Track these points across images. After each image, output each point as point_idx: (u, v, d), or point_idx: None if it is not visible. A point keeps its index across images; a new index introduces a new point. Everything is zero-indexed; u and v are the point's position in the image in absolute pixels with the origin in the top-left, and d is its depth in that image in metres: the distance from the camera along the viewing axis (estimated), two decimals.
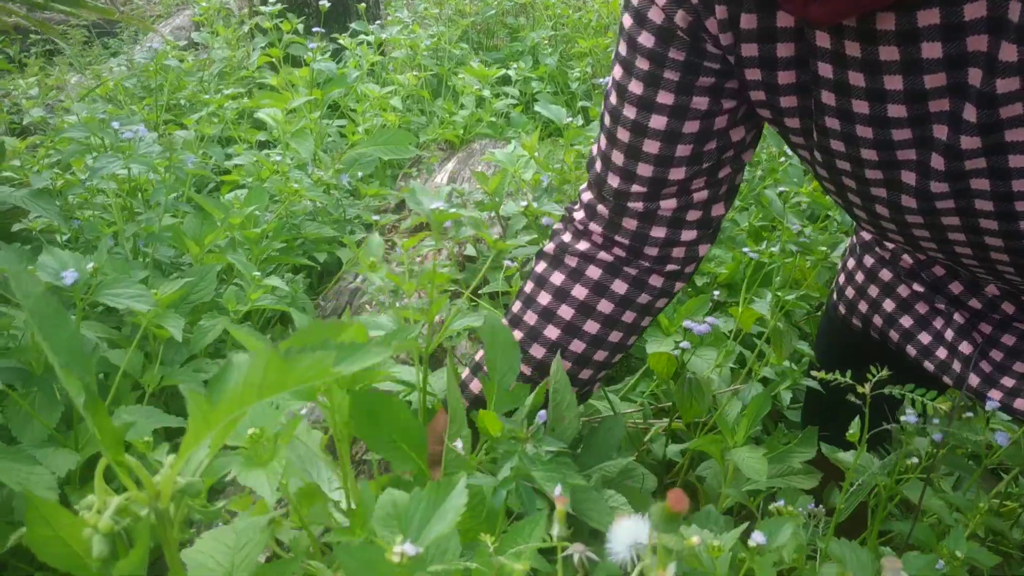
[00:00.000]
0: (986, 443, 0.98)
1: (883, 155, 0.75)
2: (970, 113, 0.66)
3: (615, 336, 0.99)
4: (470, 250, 1.83)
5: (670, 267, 0.96)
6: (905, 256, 1.09)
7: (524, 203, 1.71)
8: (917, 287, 1.08)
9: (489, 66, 3.15)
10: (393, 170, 2.38)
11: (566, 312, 0.97)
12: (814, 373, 1.18)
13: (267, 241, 1.60)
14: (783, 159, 1.76)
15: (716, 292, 1.41)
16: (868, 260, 1.14)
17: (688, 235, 0.94)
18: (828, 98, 0.74)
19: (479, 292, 1.66)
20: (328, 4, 2.71)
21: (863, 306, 1.15)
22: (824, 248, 1.58)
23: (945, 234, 0.80)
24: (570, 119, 1.79)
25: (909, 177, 0.75)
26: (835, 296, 1.22)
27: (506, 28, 3.45)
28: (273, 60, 2.45)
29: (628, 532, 0.53)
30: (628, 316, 0.98)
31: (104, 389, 1.25)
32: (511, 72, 2.86)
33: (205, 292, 1.39)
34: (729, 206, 0.97)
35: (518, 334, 0.99)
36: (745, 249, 1.35)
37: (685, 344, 1.27)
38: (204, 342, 1.28)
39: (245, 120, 2.61)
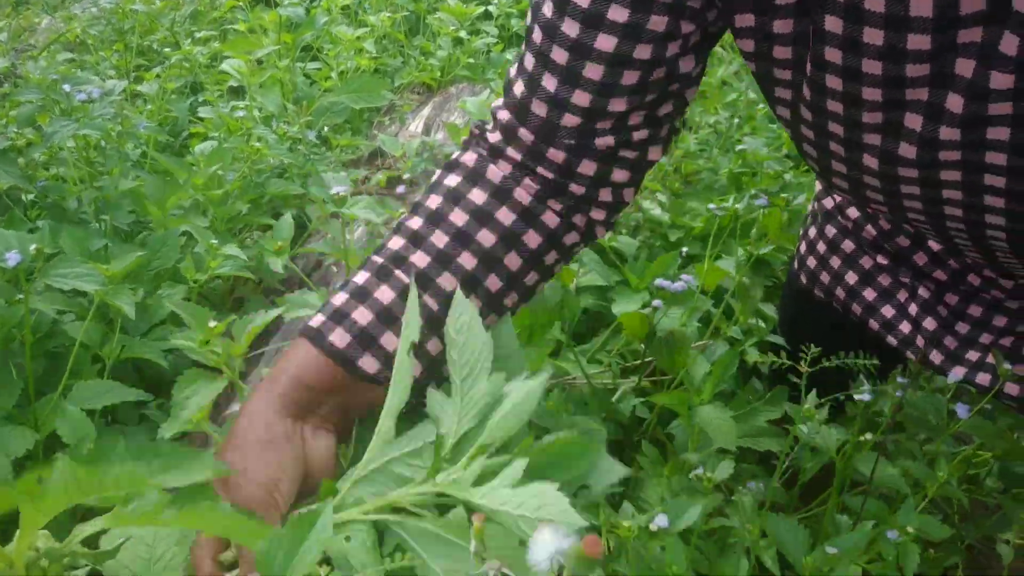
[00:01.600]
0: (945, 413, 0.97)
1: (889, 94, 0.65)
2: (1009, 45, 0.57)
3: (511, 260, 0.80)
4: None
5: (594, 212, 0.83)
6: (868, 227, 1.05)
7: None
8: (881, 259, 1.05)
9: (467, 3, 3.06)
10: (368, 116, 2.33)
11: (486, 239, 0.78)
12: (775, 338, 1.16)
13: (231, 202, 1.57)
14: (760, 105, 1.71)
15: (685, 249, 1.38)
16: (830, 230, 1.11)
17: (619, 175, 0.81)
18: (834, 24, 0.63)
19: None
20: None
21: (825, 277, 1.12)
22: (804, 200, 1.55)
23: (938, 192, 0.72)
24: None
25: (914, 121, 0.66)
26: (796, 265, 1.19)
27: None
28: (242, 3, 2.38)
29: (549, 541, 0.51)
30: (529, 236, 0.80)
31: (63, 360, 1.24)
32: (492, 7, 2.77)
33: (167, 257, 1.37)
34: (665, 151, 0.85)
35: (422, 256, 0.77)
36: (711, 206, 1.32)
37: (657, 303, 1.24)
38: (163, 311, 1.27)
39: (218, 63, 2.54)
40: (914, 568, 0.85)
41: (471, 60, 2.46)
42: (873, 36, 0.60)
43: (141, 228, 1.60)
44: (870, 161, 0.72)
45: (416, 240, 0.77)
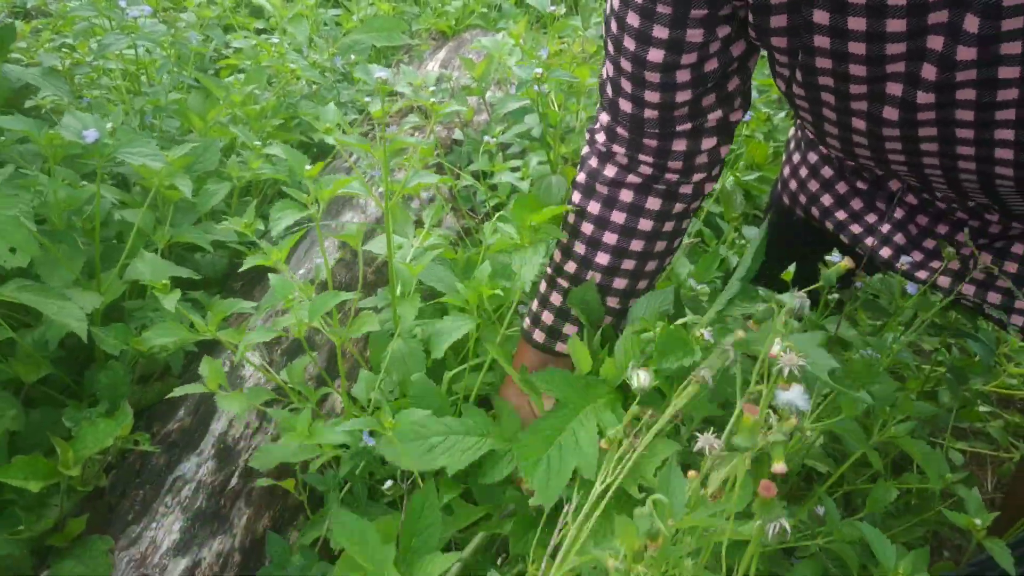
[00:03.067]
0: (898, 294, 1.13)
1: (872, 71, 0.77)
2: (971, 24, 0.69)
3: (659, 246, 1.05)
4: (457, 134, 1.94)
5: (696, 175, 1.00)
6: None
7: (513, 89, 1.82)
8: (860, 184, 1.19)
9: None
10: (387, 59, 2.46)
11: (610, 238, 1.02)
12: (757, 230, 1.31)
13: (266, 119, 1.71)
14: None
15: None
16: (812, 156, 1.25)
17: (708, 143, 0.97)
18: (821, 17, 0.76)
19: (463, 169, 1.78)
20: None
21: (803, 199, 1.26)
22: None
23: (918, 146, 0.85)
24: (553, 8, 1.88)
25: (895, 89, 0.78)
26: (779, 187, 1.34)
27: None
28: None
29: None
30: (667, 226, 1.03)
31: (120, 247, 1.39)
32: None
33: (209, 162, 1.51)
34: (747, 108, 1.00)
35: (572, 265, 1.06)
36: None
37: None
38: (210, 204, 1.41)
39: (243, 7, 2.67)
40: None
41: (484, 10, 2.59)
42: (856, 23, 0.74)
43: (180, 141, 1.75)
44: (858, 124, 0.86)
45: (565, 252, 1.08)
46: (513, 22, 2.58)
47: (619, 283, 1.06)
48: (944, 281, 1.14)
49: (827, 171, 1.24)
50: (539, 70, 1.44)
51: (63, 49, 2.14)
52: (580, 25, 1.97)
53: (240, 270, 1.13)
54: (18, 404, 1.13)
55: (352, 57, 1.91)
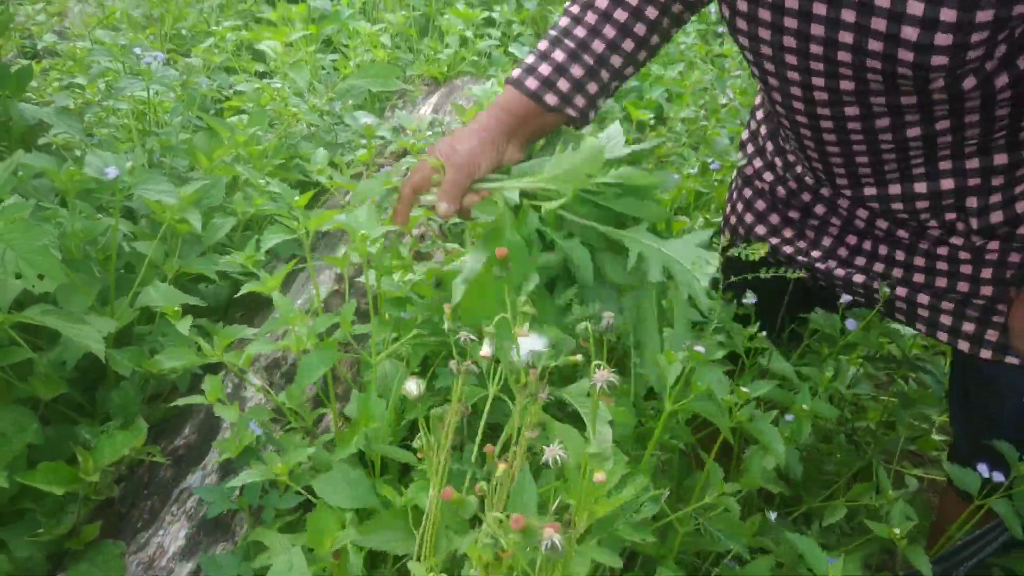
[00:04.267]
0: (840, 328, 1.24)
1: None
2: None
3: (628, 45, 1.13)
4: None
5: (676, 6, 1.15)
6: (779, 188, 1.32)
7: None
8: (791, 214, 1.31)
9: (474, 7, 3.33)
10: (381, 102, 2.59)
11: (620, 15, 1.12)
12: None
13: (267, 159, 1.82)
14: (724, 103, 1.99)
15: None
16: (747, 192, 1.38)
17: None
18: None
19: None
20: None
21: (740, 231, 1.39)
22: None
23: (837, 83, 1.00)
24: None
25: (820, 9, 0.94)
26: (723, 224, 1.47)
27: None
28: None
29: (529, 343, 0.77)
30: (653, 40, 1.15)
31: (130, 276, 1.49)
32: (495, 14, 3.05)
33: (215, 197, 1.62)
34: None
35: (581, 31, 1.12)
36: (674, 176, 1.58)
37: None
38: (216, 237, 1.52)
39: (244, 51, 2.80)
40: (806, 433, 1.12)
41: (475, 58, 2.73)
42: None
43: (186, 179, 1.85)
44: (789, 43, 1.00)
45: (573, 23, 1.14)
46: (502, 70, 2.72)
47: (615, 61, 1.14)
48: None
49: (760, 204, 1.37)
50: None
51: (74, 89, 2.26)
52: None
53: (238, 295, 1.23)
54: (37, 420, 1.22)
55: (350, 101, 2.03)
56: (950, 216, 1.13)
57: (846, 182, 1.17)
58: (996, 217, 1.10)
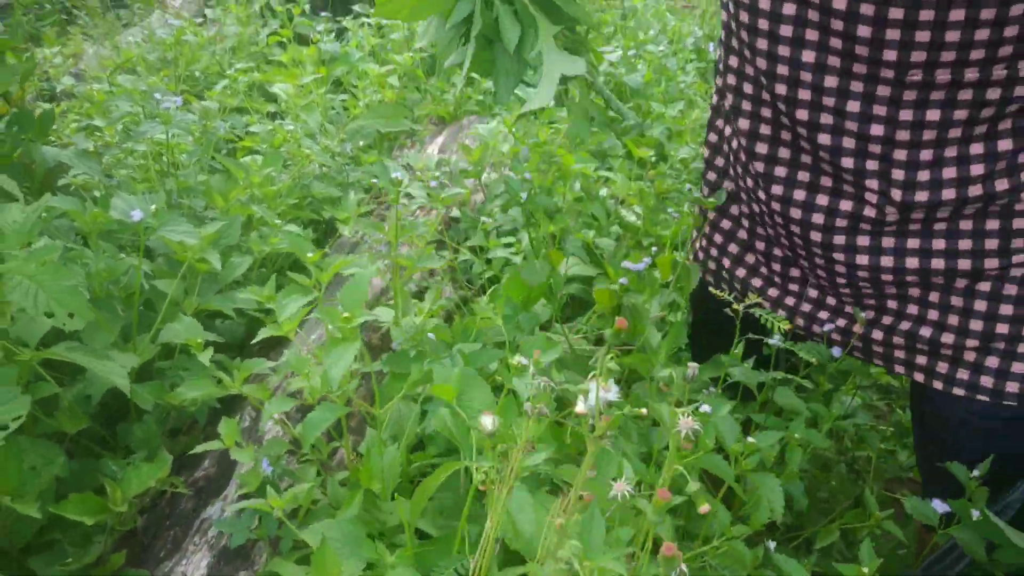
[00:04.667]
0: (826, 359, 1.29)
1: None
2: None
3: None
4: (455, 212, 2.12)
5: None
6: (739, 232, 1.36)
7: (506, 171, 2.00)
8: (759, 258, 1.35)
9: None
10: (390, 142, 2.66)
11: None
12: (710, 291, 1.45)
13: (281, 198, 1.89)
14: None
15: (655, 249, 1.70)
16: (718, 238, 1.40)
17: None
18: None
19: (461, 244, 1.95)
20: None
21: (720, 271, 1.41)
22: None
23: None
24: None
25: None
26: (695, 253, 1.47)
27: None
28: (283, 40, 2.72)
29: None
30: None
31: (150, 313, 1.54)
32: None
33: (232, 237, 1.68)
34: None
35: None
36: (673, 212, 1.64)
37: (623, 280, 1.56)
38: (233, 275, 1.57)
39: (255, 92, 2.88)
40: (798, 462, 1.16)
41: (480, 97, 2.80)
42: None
43: (203, 219, 1.92)
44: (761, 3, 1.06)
45: None
46: (506, 109, 2.79)
47: None
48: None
49: (733, 247, 1.39)
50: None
51: (92, 131, 2.33)
52: (566, 116, 2.17)
53: (256, 340, 1.28)
54: (63, 453, 1.27)
55: (360, 143, 2.10)
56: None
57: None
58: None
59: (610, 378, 0.83)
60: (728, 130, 1.31)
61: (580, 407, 0.84)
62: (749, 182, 1.26)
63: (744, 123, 1.21)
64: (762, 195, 1.23)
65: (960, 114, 1.02)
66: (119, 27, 4.47)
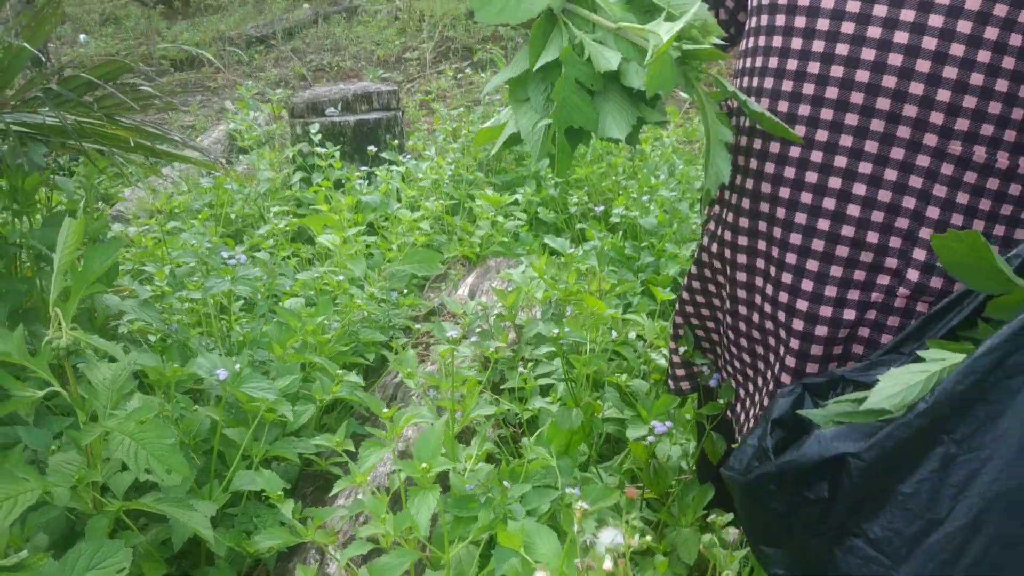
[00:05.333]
0: None
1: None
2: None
3: None
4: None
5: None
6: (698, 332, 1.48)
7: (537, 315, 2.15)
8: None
9: (499, 190, 3.64)
10: (419, 280, 2.82)
11: None
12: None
13: (333, 344, 2.02)
14: None
15: None
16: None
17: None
18: None
19: (500, 388, 2.08)
20: (374, 149, 3.24)
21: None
22: None
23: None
24: (572, 249, 2.25)
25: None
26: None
27: (512, 153, 3.96)
28: (323, 189, 2.93)
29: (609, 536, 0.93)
30: None
31: (220, 458, 1.65)
32: (518, 196, 3.34)
33: (292, 384, 1.80)
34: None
35: None
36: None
37: (652, 439, 1.68)
38: (300, 423, 1.69)
39: (288, 233, 3.06)
40: None
41: (504, 239, 2.99)
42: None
43: (262, 365, 2.05)
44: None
45: None
46: (528, 250, 2.97)
47: None
48: None
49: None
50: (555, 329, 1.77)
51: (142, 275, 2.49)
52: (596, 265, 2.34)
53: (331, 494, 1.39)
54: None
55: (396, 290, 2.25)
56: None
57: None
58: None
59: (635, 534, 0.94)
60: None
61: (607, 564, 0.96)
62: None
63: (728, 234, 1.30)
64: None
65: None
66: (155, 168, 4.71)
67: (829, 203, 1.13)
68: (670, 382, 1.59)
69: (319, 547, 1.58)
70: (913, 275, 1.10)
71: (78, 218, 1.30)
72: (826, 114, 1.10)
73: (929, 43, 1.02)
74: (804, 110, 1.12)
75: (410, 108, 6.46)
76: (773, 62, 1.16)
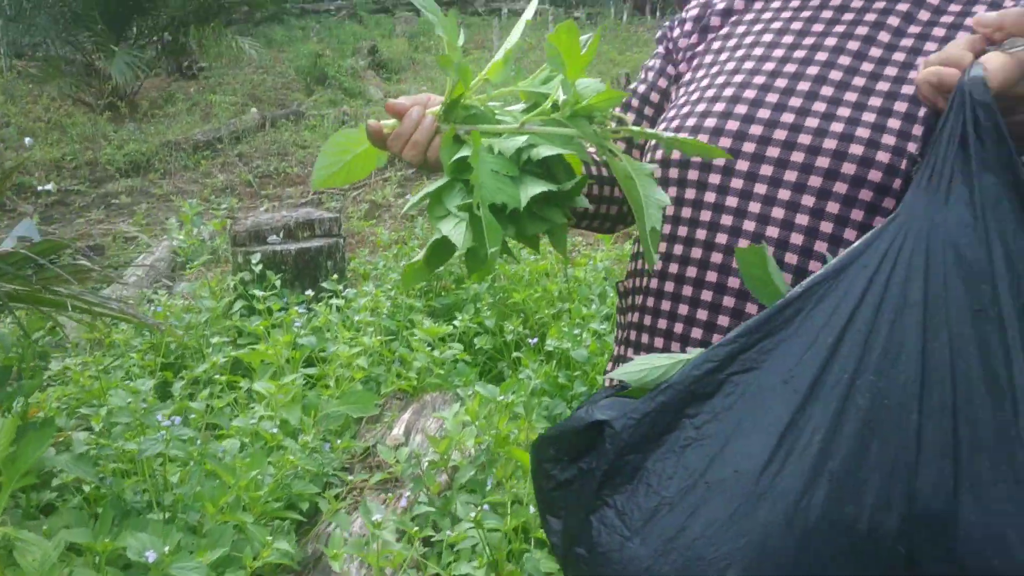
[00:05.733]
0: None
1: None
2: None
3: None
4: (423, 497, 2.31)
5: None
6: None
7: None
8: None
9: (438, 314, 3.74)
10: (357, 423, 2.87)
11: None
12: None
13: (265, 499, 2.06)
14: None
15: None
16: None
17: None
18: None
19: (431, 540, 2.13)
20: (311, 293, 3.34)
21: None
22: None
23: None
24: (501, 398, 2.34)
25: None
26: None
27: (451, 275, 4.07)
28: (262, 328, 2.99)
29: None
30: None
31: None
32: (456, 323, 3.43)
33: (223, 554, 1.83)
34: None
35: None
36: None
37: None
38: None
39: (227, 365, 3.09)
40: None
41: (441, 371, 3.07)
42: None
43: (192, 528, 2.07)
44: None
45: None
46: (464, 382, 3.06)
47: None
48: None
49: None
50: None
51: (78, 413, 2.51)
52: (523, 413, 2.43)
53: None
54: None
55: (339, 433, 2.30)
56: None
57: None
58: None
59: None
60: None
61: None
62: None
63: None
64: None
65: None
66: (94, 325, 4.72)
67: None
68: None
69: None
70: None
71: (9, 417, 1.35)
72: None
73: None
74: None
75: (354, 219, 6.59)
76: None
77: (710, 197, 1.12)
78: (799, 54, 1.12)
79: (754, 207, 1.08)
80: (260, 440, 2.32)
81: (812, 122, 1.06)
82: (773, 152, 1.07)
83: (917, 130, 1.00)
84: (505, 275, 3.98)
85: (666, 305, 1.18)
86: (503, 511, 2.02)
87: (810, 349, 0.79)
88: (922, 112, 1.00)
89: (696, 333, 1.14)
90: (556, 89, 1.04)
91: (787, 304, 0.82)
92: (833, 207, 1.04)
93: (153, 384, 2.91)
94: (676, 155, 1.16)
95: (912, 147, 0.99)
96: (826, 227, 1.04)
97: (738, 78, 1.14)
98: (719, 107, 1.13)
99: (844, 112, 1.04)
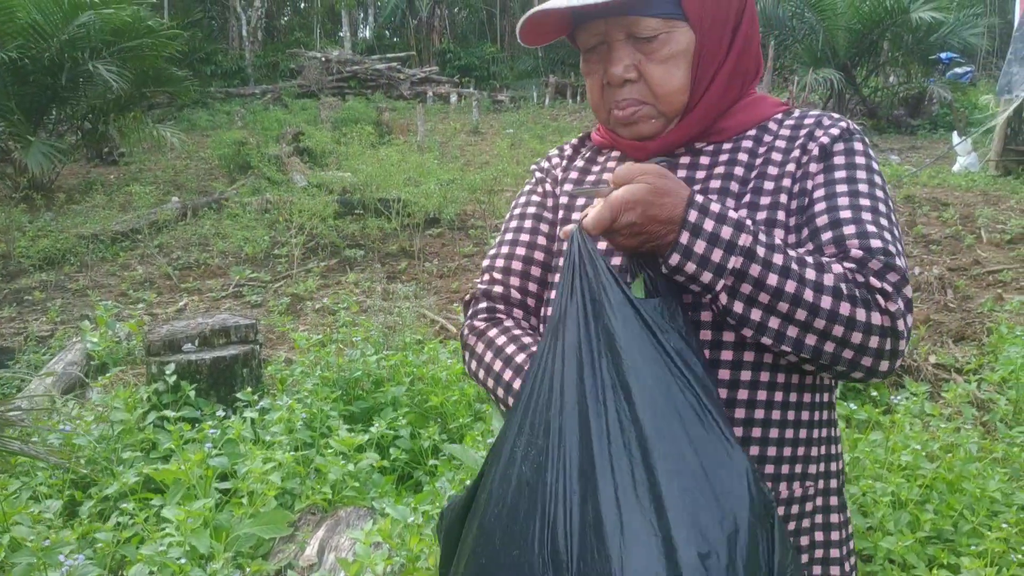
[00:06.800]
0: None
1: None
2: None
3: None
4: None
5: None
6: None
7: None
8: None
9: (355, 419, 3.76)
10: (269, 544, 2.86)
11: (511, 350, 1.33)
12: None
13: None
14: None
15: None
16: None
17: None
18: None
19: None
20: (223, 414, 3.35)
21: None
22: None
23: None
24: (411, 519, 2.38)
25: None
26: None
27: (370, 377, 4.11)
28: (175, 445, 2.97)
29: None
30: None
31: None
32: (373, 428, 3.45)
33: None
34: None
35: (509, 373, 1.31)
36: None
37: None
38: None
39: (138, 479, 3.05)
40: None
41: (356, 484, 3.08)
42: None
43: None
44: None
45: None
46: (380, 492, 3.07)
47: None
48: None
49: None
50: None
51: None
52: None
53: None
54: None
55: (250, 555, 2.30)
56: None
57: None
58: None
59: None
60: None
61: None
62: None
63: None
64: None
65: None
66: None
67: None
68: None
69: None
70: None
71: None
72: None
73: None
74: None
75: (275, 313, 6.57)
76: None
77: None
78: None
79: None
80: (168, 570, 2.31)
81: None
82: None
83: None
84: (422, 377, 4.03)
85: None
86: None
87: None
88: None
89: None
90: None
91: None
92: None
93: (61, 505, 2.86)
94: None
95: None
96: None
97: None
98: None
99: None
